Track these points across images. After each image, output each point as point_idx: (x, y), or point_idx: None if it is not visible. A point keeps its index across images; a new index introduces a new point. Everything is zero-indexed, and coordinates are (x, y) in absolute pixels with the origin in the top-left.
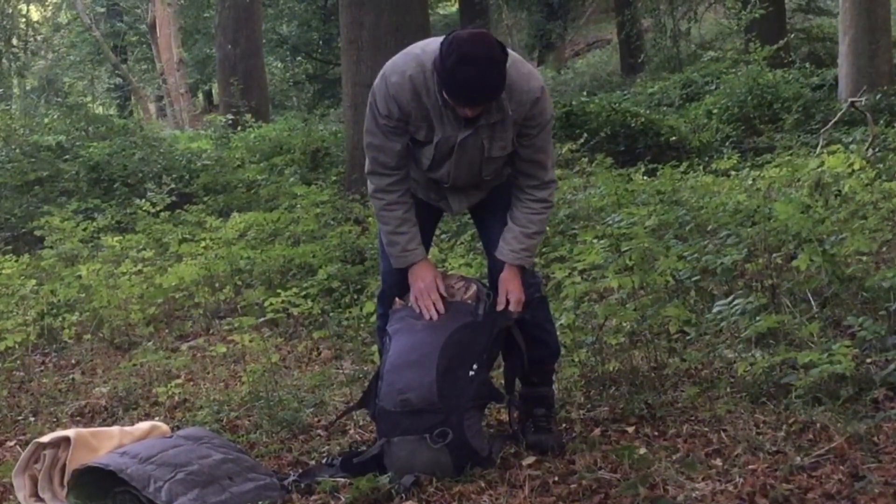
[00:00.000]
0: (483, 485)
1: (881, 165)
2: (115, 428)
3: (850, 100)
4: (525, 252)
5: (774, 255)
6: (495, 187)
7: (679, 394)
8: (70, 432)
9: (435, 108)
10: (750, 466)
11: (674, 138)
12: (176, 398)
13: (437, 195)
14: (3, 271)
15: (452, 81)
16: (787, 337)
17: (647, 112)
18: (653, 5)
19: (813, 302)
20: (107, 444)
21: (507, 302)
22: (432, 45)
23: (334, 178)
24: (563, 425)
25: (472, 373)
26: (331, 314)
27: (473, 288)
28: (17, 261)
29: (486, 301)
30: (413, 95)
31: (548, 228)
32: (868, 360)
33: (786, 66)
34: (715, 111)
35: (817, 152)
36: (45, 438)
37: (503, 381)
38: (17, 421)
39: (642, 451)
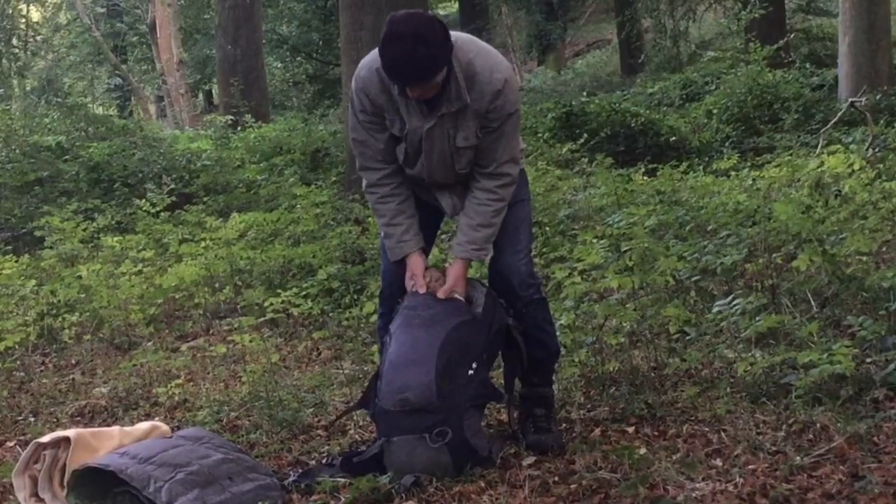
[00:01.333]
0: (483, 485)
1: (881, 165)
2: (116, 428)
3: (850, 100)
4: (470, 245)
5: (774, 255)
6: None
7: (679, 394)
8: (70, 432)
9: (401, 101)
10: (750, 466)
11: (674, 138)
12: (176, 398)
13: (431, 196)
14: (4, 271)
15: (382, 59)
16: (787, 337)
17: (647, 112)
18: (653, 5)
19: (813, 302)
20: (107, 444)
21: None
22: None
23: (334, 178)
24: (563, 425)
25: (471, 372)
26: (331, 314)
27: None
28: (17, 261)
29: (483, 300)
30: (381, 88)
31: (548, 228)
32: (868, 360)
33: (786, 66)
34: (715, 111)
35: (817, 152)
36: (45, 439)
37: (503, 381)
38: (17, 421)
39: (642, 451)
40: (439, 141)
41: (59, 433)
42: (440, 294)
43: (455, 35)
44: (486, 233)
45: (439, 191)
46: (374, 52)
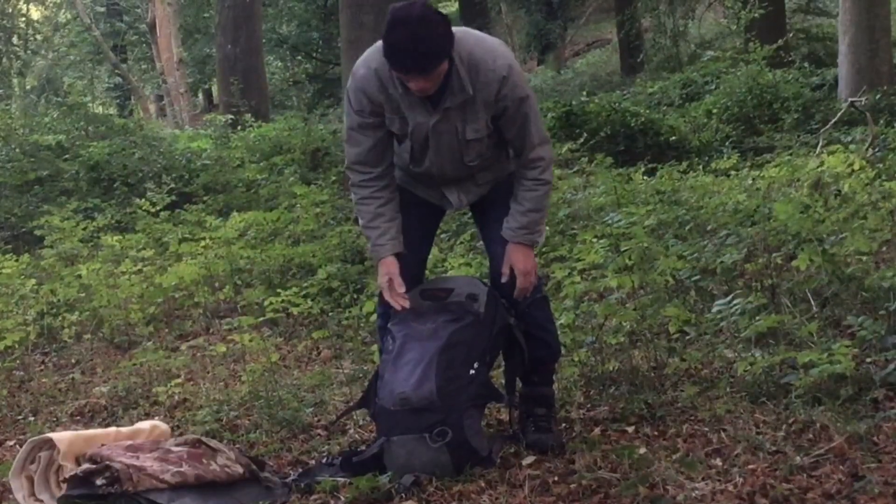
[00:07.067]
0: (483, 484)
1: (881, 165)
2: (112, 429)
3: (849, 99)
4: (522, 230)
5: (774, 254)
6: (497, 185)
7: (679, 393)
8: (58, 439)
9: (403, 98)
10: (750, 466)
11: (673, 138)
12: (176, 398)
13: (436, 192)
14: (3, 271)
15: (387, 47)
16: (786, 337)
17: (647, 112)
18: (652, 5)
19: (813, 302)
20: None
21: (513, 278)
22: None
23: (334, 177)
24: (563, 425)
25: (472, 372)
26: (330, 314)
27: (462, 294)
28: (16, 260)
29: (485, 300)
30: (380, 88)
31: (547, 228)
32: (868, 360)
33: (785, 65)
34: (715, 111)
35: (817, 152)
36: (37, 439)
37: (503, 381)
38: (16, 420)
39: (642, 450)
40: (447, 135)
41: (51, 435)
42: (519, 286)
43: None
44: (537, 217)
45: (447, 186)
46: (372, 50)
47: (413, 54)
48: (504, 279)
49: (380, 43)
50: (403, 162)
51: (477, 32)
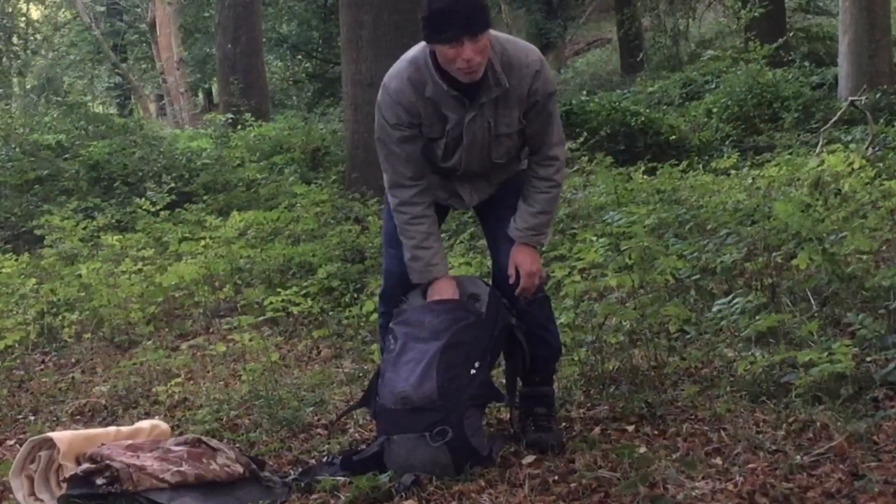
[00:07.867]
0: (483, 483)
1: (881, 164)
2: (112, 429)
3: (849, 99)
4: (530, 231)
5: (774, 253)
6: (503, 184)
7: (679, 392)
8: (58, 439)
9: (440, 96)
10: (750, 465)
11: (674, 137)
12: (176, 397)
13: (448, 192)
14: (3, 270)
15: (433, 15)
16: (786, 336)
17: (647, 111)
18: (652, 4)
19: (813, 301)
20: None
21: (518, 279)
22: (422, 44)
23: (334, 177)
24: (563, 424)
25: (473, 371)
26: (330, 313)
27: (464, 294)
28: (16, 260)
29: (487, 299)
30: (417, 95)
31: None
32: (868, 359)
33: (786, 65)
34: (715, 110)
35: (817, 151)
36: (37, 439)
37: (504, 381)
38: (17, 420)
39: (642, 449)
40: (479, 130)
41: (51, 434)
42: (523, 286)
43: None
44: (545, 219)
45: (461, 183)
46: (400, 64)
47: (461, 14)
48: (511, 280)
49: (408, 55)
50: (435, 159)
51: (505, 34)
